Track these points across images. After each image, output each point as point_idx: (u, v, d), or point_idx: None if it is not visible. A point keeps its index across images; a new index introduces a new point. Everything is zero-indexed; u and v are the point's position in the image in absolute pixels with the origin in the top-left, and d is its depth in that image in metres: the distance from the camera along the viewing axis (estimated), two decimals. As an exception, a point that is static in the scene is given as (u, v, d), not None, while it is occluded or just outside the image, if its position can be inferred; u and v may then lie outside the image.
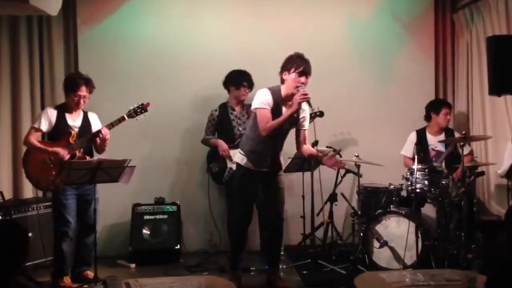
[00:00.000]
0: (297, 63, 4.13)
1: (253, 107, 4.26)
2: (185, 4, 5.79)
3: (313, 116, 5.20)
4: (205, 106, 5.59)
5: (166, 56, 5.74)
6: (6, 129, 5.39)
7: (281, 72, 4.22)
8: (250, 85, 5.33)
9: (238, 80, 5.30)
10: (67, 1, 5.39)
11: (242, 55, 5.72)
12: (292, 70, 4.14)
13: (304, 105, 4.26)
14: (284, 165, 4.51)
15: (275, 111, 4.17)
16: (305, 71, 4.12)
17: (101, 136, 4.45)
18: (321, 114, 5.24)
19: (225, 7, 5.82)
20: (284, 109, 4.20)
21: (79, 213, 4.55)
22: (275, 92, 4.20)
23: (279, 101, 4.19)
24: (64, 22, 5.60)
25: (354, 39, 5.94)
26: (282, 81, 4.23)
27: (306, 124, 4.36)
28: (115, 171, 4.22)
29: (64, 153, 4.38)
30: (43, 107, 5.45)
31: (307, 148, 4.41)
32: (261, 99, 4.19)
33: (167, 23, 5.77)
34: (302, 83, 4.11)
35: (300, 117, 4.29)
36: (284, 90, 4.21)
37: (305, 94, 4.04)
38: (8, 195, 5.13)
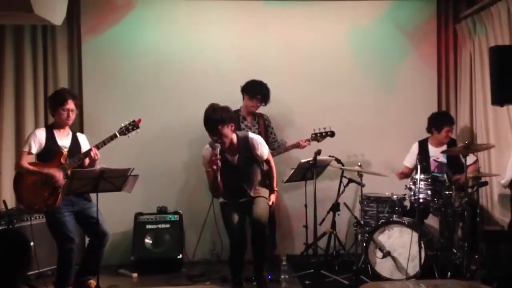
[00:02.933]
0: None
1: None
2: (188, 14, 5.82)
3: (324, 136, 5.24)
4: (208, 115, 5.60)
5: (169, 65, 5.77)
6: (9, 138, 5.40)
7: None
8: (264, 99, 5.32)
9: (253, 91, 5.31)
10: (72, 10, 5.43)
11: (245, 64, 5.74)
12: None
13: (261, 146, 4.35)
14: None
15: (221, 159, 4.20)
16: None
17: (91, 156, 4.42)
18: (332, 134, 5.30)
19: (227, 17, 5.85)
20: (227, 155, 4.29)
21: (88, 229, 4.54)
22: (212, 144, 4.26)
23: (221, 152, 4.22)
24: (68, 32, 5.64)
25: (357, 49, 5.95)
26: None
27: (263, 155, 4.38)
28: (118, 180, 4.23)
29: (60, 176, 4.30)
30: (46, 116, 5.46)
31: None
32: (203, 161, 4.32)
33: (170, 33, 5.81)
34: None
35: (248, 156, 4.32)
36: (225, 142, 4.26)
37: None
38: (11, 204, 5.13)
